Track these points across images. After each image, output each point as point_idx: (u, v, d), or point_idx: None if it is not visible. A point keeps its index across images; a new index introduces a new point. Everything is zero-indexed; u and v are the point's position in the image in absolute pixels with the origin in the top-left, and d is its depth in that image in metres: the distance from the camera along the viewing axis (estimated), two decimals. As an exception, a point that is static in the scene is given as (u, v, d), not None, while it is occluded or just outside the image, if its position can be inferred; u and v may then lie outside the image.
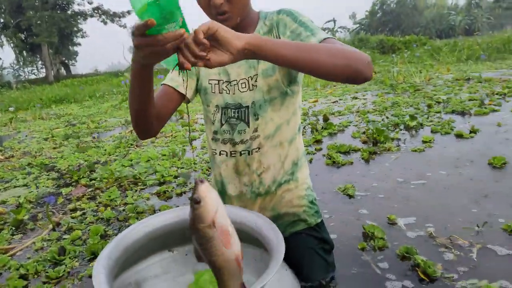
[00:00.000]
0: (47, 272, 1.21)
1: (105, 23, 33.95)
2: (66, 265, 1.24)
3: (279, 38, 1.02)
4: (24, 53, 36.50)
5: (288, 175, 1.10)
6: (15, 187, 2.38)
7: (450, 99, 3.66)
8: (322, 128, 3.08)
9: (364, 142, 2.56)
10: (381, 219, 1.38)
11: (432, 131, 2.58)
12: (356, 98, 4.75)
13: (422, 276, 0.99)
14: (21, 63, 38.64)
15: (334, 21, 54.88)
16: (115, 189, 1.99)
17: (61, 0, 32.08)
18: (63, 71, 37.03)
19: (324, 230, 1.15)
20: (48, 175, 2.58)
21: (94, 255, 1.28)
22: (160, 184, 2.08)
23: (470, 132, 2.44)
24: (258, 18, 1.08)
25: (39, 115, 7.03)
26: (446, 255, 1.10)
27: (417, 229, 1.29)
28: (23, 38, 31.46)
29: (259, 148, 1.06)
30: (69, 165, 2.78)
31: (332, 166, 2.14)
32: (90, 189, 2.10)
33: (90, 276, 1.18)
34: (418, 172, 1.86)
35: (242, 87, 1.04)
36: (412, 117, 2.78)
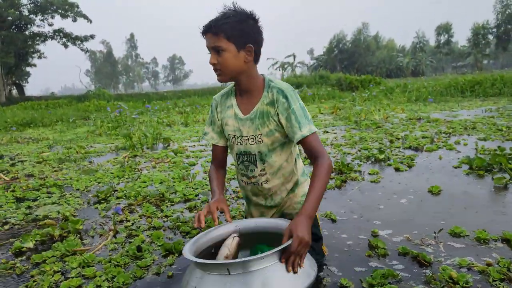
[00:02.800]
0: (135, 262, 1.59)
1: (66, 46, 33.40)
2: (147, 258, 1.63)
3: (278, 114, 1.38)
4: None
5: (290, 191, 1.55)
6: (44, 204, 2.65)
7: (406, 136, 4.39)
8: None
9: (332, 172, 3.10)
10: (365, 233, 1.87)
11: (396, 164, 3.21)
12: (327, 132, 5.41)
13: (423, 262, 1.50)
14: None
15: (294, 56, 57.73)
16: (149, 205, 2.37)
17: (19, 20, 31.18)
18: (15, 92, 35.44)
19: (315, 225, 1.50)
20: (70, 194, 2.87)
21: (168, 252, 1.68)
22: (185, 201, 2.49)
23: (408, 166, 3.06)
24: (263, 85, 1.44)
25: (14, 138, 7.02)
26: (425, 250, 1.62)
27: (396, 236, 1.81)
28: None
29: (267, 181, 1.50)
30: (86, 186, 3.07)
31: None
32: (123, 206, 2.45)
33: (171, 265, 1.58)
34: (380, 197, 2.42)
35: (251, 142, 1.46)
36: (381, 151, 3.41)
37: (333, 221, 2.04)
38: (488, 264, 1.44)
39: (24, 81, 40.42)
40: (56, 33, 32.61)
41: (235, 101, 1.50)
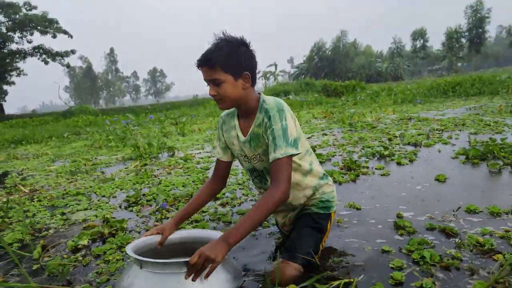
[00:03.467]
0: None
1: (46, 62, 33.05)
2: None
3: (267, 135, 1.41)
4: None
5: (309, 196, 1.61)
6: (77, 210, 2.77)
7: (403, 134, 4.67)
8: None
9: (341, 169, 3.33)
10: (391, 216, 2.09)
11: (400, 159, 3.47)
12: (325, 134, 5.66)
13: (450, 233, 1.71)
14: None
15: (276, 65, 58.59)
16: (182, 204, 2.53)
17: (-3, 38, 30.73)
18: None
19: (324, 219, 1.59)
20: (98, 200, 3.00)
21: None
22: (215, 199, 2.66)
23: (410, 161, 3.32)
24: (257, 105, 1.48)
25: (13, 155, 7.01)
26: (449, 225, 1.85)
27: (420, 216, 2.03)
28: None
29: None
30: (110, 193, 3.20)
31: (334, 183, 2.88)
32: (153, 208, 2.60)
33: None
34: (394, 187, 2.66)
35: (254, 160, 1.56)
36: (385, 148, 3.66)
37: (358, 209, 2.24)
38: (507, 231, 1.67)
39: (1, 100, 39.63)
40: (36, 50, 32.23)
41: (237, 122, 1.57)
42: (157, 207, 2.47)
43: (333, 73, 58.86)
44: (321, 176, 1.64)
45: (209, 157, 4.64)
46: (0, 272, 1.82)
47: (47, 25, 31.31)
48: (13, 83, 35.88)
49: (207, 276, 1.21)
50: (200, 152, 5.17)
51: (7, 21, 30.71)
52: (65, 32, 32.51)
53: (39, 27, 31.21)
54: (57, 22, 31.90)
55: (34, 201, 3.19)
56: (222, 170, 1.71)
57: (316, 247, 1.52)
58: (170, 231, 1.55)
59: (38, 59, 32.64)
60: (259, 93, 1.53)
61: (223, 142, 1.67)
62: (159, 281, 1.20)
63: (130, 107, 32.83)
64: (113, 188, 3.36)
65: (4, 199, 3.33)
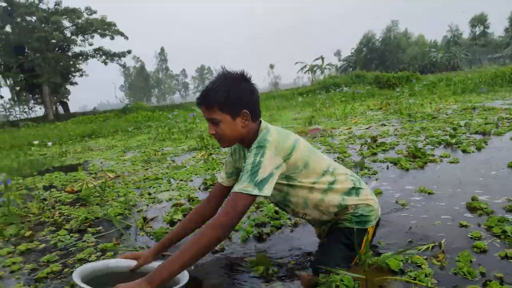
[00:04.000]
0: (273, 220, 1.97)
1: (106, 63, 35.26)
2: (282, 219, 2.00)
3: None
4: (23, 93, 37.17)
5: (336, 213, 1.51)
6: (161, 191, 3.09)
7: (469, 124, 4.54)
8: (377, 146, 3.89)
9: (405, 157, 3.34)
10: (465, 199, 2.12)
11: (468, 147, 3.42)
12: (384, 125, 5.63)
13: None
14: (17, 103, 38.79)
15: (323, 58, 57.60)
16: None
17: (63, 42, 33.27)
18: (60, 109, 37.67)
19: (353, 235, 1.45)
20: (177, 184, 3.30)
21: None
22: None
23: (477, 149, 3.24)
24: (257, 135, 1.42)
25: (88, 147, 7.72)
26: None
27: (497, 199, 2.05)
28: (24, 79, 32.10)
29: (305, 214, 1.54)
30: (187, 177, 3.50)
31: (402, 170, 2.93)
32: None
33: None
34: (465, 173, 2.66)
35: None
36: (452, 136, 3.62)
37: (430, 193, 2.30)
38: None
39: (66, 99, 42.95)
40: (96, 52, 34.52)
41: (246, 152, 1.53)
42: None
43: (383, 65, 56.74)
44: (348, 192, 1.50)
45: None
46: (113, 237, 2.14)
47: (106, 28, 33.35)
48: (76, 83, 38.78)
49: None
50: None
51: (71, 26, 33.16)
52: (122, 34, 34.44)
53: (98, 30, 33.35)
54: (114, 25, 33.88)
55: (121, 184, 3.57)
56: (218, 196, 1.64)
57: (344, 263, 1.44)
58: (145, 260, 1.51)
59: (98, 60, 34.95)
60: (260, 121, 1.48)
61: (231, 167, 1.62)
62: None
63: (181, 104, 34.19)
64: (187, 174, 3.66)
65: (95, 183, 3.77)
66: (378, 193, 2.36)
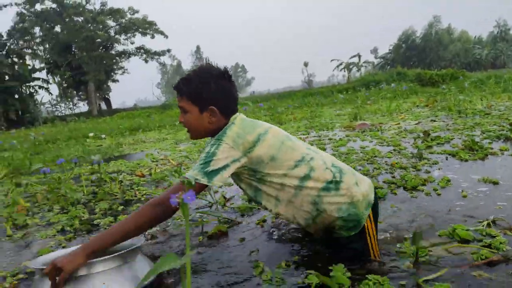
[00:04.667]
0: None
1: (146, 61, 36.57)
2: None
3: None
4: (69, 90, 39.29)
5: (315, 211, 1.42)
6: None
7: (527, 119, 4.47)
8: (431, 140, 3.94)
9: (462, 150, 3.34)
10: None
11: (529, 139, 3.40)
12: (433, 121, 5.61)
13: None
14: (63, 100, 41.06)
15: (359, 56, 56.46)
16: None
17: (107, 41, 34.82)
18: (102, 105, 39.52)
19: (354, 241, 1.44)
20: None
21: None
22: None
23: None
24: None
25: (140, 140, 8.20)
26: None
27: None
28: (71, 76, 33.91)
29: (278, 213, 1.48)
30: (247, 166, 3.74)
31: (461, 161, 2.99)
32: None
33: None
34: None
35: (242, 192, 1.65)
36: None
37: (495, 183, 2.36)
38: None
39: (107, 95, 44.98)
40: (138, 50, 35.88)
41: None
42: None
43: (423, 62, 54.81)
44: (325, 187, 1.40)
45: (320, 140, 4.98)
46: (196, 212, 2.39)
47: (147, 27, 34.59)
48: (117, 80, 40.53)
49: (59, 286, 1.19)
50: (308, 137, 5.54)
51: (115, 25, 34.68)
52: (162, 33, 35.58)
53: (140, 29, 34.66)
54: (155, 24, 35.07)
55: (186, 170, 3.86)
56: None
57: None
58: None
59: (140, 58, 36.33)
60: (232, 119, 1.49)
61: None
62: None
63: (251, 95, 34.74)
64: (247, 162, 3.89)
65: (158, 169, 4.09)
66: (447, 180, 2.46)
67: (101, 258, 1.27)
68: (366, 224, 1.43)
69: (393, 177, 2.66)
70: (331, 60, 57.93)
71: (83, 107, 45.69)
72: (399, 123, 5.76)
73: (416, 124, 5.49)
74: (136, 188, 3.29)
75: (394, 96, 12.42)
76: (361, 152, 3.72)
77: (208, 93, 1.42)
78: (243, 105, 8.86)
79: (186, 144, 6.47)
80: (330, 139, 4.95)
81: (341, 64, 57.17)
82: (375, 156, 3.44)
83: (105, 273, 1.27)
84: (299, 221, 1.48)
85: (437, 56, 55.85)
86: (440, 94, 9.11)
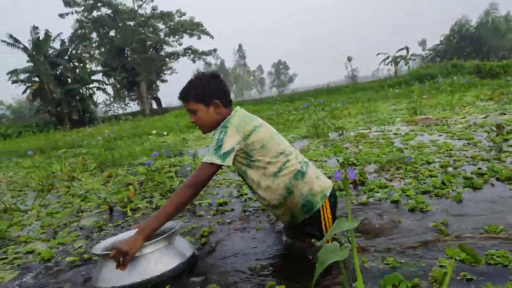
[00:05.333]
0: (437, 190, 2.27)
1: (194, 61, 37.74)
2: (448, 189, 2.29)
3: None
4: (122, 90, 41.47)
5: (286, 193, 1.72)
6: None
7: None
8: (507, 133, 3.90)
9: None
10: None
11: None
12: (504, 114, 5.45)
13: None
14: (117, 100, 43.23)
15: (407, 48, 54.22)
16: (401, 165, 3.05)
17: (157, 42, 36.33)
18: (154, 105, 41.31)
19: (309, 226, 1.77)
20: (313, 162, 3.74)
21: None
22: (428, 163, 3.09)
23: None
24: None
25: (201, 136, 8.66)
26: None
27: None
28: (125, 77, 35.78)
29: (256, 193, 1.79)
30: (316, 158, 3.93)
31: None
32: (374, 169, 3.17)
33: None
34: None
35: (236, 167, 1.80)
36: None
37: None
38: None
39: (156, 95, 46.89)
40: (186, 51, 37.12)
41: None
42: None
43: (479, 52, 51.51)
44: (295, 174, 1.71)
45: (384, 135, 5.04)
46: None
47: (194, 28, 35.67)
48: (166, 80, 42.16)
49: (123, 266, 1.51)
50: (370, 131, 5.60)
51: (165, 28, 36.12)
52: (208, 33, 36.52)
53: (188, 31, 35.81)
54: (202, 25, 36.06)
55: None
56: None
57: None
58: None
59: (188, 58, 37.53)
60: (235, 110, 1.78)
61: None
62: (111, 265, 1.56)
63: (261, 98, 35.19)
64: (317, 156, 4.08)
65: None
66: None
67: (153, 241, 1.60)
68: (322, 212, 1.74)
69: (479, 168, 2.72)
70: (377, 54, 56.06)
71: (133, 106, 48.14)
72: (464, 117, 5.66)
73: (484, 118, 5.37)
74: (223, 177, 3.60)
75: (452, 89, 11.98)
76: (433, 146, 3.77)
77: (209, 91, 1.73)
78: (305, 102, 9.00)
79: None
80: (395, 133, 5.00)
81: (388, 57, 55.22)
82: (450, 149, 3.49)
83: (156, 252, 1.60)
84: (273, 203, 1.76)
85: (495, 46, 52.24)
86: (504, 87, 8.70)
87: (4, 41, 26.67)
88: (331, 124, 6.11)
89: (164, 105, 46.10)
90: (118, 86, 38.10)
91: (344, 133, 5.87)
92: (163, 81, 41.58)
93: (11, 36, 26.87)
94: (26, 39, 27.60)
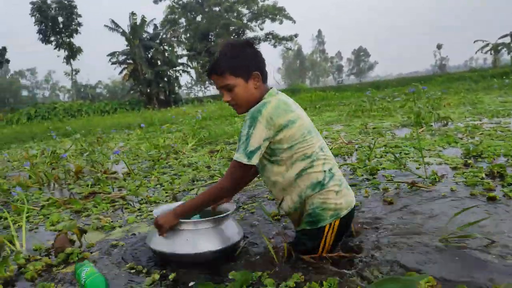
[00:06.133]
0: None
1: (275, 46, 37.88)
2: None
3: None
4: (205, 74, 43.35)
5: (298, 203, 1.55)
6: (423, 157, 3.36)
7: None
8: None
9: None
10: None
11: None
12: None
13: None
14: (199, 83, 45.10)
15: (512, 35, 48.00)
16: None
17: (240, 27, 37.10)
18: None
19: (305, 235, 1.56)
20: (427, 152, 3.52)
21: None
22: None
23: None
24: None
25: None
26: None
27: None
28: (208, 61, 37.27)
29: (270, 191, 1.67)
30: (432, 148, 3.69)
31: None
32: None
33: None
34: None
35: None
36: None
37: None
38: None
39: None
40: (267, 36, 37.39)
41: None
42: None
43: None
44: (312, 186, 1.52)
45: (502, 127, 4.55)
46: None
47: (277, 13, 35.66)
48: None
49: (162, 235, 1.60)
50: (481, 123, 5.10)
51: (248, 13, 36.72)
52: (290, 18, 36.26)
53: (270, 16, 35.95)
54: (284, 10, 35.90)
55: (364, 148, 4.00)
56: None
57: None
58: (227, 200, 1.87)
59: (268, 43, 37.83)
60: (270, 88, 1.58)
61: None
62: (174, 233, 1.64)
63: (339, 85, 34.17)
64: (429, 145, 3.82)
65: (336, 146, 4.32)
66: None
67: (193, 220, 1.65)
68: (326, 229, 1.53)
69: None
70: (474, 41, 50.56)
71: (212, 90, 50.23)
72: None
73: None
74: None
75: None
76: None
77: (247, 60, 1.49)
78: (412, 87, 8.55)
79: (336, 126, 6.63)
80: (517, 126, 4.48)
81: (487, 45, 49.57)
82: None
83: (194, 232, 1.62)
84: (284, 207, 1.62)
85: None
86: None
87: (107, 26, 29.49)
88: (436, 113, 5.68)
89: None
90: (201, 70, 39.98)
91: (449, 123, 5.44)
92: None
93: (112, 21, 29.58)
94: (125, 25, 30.23)
